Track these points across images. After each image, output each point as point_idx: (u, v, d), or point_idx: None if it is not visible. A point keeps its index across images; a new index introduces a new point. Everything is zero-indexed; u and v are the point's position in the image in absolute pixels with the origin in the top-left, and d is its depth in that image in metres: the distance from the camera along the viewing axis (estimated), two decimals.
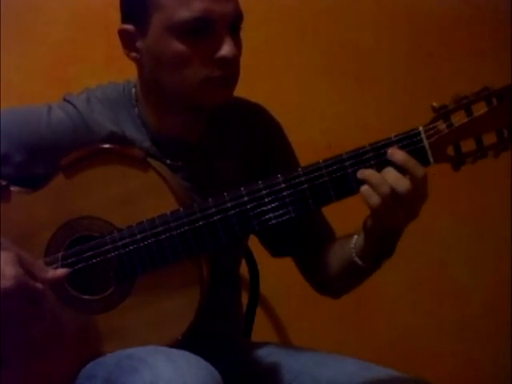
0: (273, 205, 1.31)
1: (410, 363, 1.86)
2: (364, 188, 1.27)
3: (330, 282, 1.55)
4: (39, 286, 1.29)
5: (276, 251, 1.63)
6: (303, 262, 1.62)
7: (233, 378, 1.44)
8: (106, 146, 1.40)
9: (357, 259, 1.40)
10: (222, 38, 1.36)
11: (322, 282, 1.59)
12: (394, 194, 1.25)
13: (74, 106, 1.45)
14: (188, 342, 1.34)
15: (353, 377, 1.43)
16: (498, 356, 2.44)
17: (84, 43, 2.10)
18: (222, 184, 1.36)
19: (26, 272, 1.27)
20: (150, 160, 1.37)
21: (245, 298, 1.80)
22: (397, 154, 1.27)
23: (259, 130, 1.57)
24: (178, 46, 1.36)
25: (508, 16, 2.30)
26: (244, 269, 1.78)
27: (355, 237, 1.41)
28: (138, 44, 1.41)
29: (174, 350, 1.29)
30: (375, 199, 1.26)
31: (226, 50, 1.36)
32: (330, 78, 2.29)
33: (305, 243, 1.59)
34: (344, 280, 1.51)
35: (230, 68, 1.39)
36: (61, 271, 1.34)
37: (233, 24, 1.39)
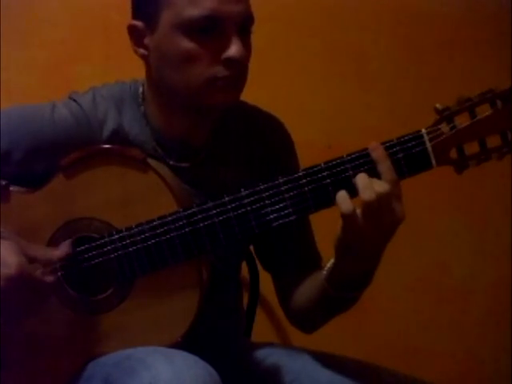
0: (273, 207, 1.30)
1: (410, 363, 1.86)
2: (340, 194, 1.25)
3: (300, 310, 1.51)
4: (42, 274, 1.29)
5: (263, 264, 1.63)
6: (280, 284, 1.59)
7: (233, 379, 1.44)
8: (106, 146, 1.40)
9: (325, 282, 1.36)
10: (230, 38, 1.35)
11: (293, 310, 1.54)
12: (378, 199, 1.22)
13: (79, 105, 1.45)
14: (188, 342, 1.34)
15: (353, 377, 1.43)
16: (499, 356, 2.44)
17: (84, 43, 2.11)
18: (224, 189, 1.34)
19: (29, 260, 1.28)
20: (150, 161, 1.37)
21: (245, 298, 1.80)
22: (379, 150, 1.26)
23: (270, 142, 1.56)
24: (186, 44, 1.35)
25: (508, 16, 2.30)
26: (244, 269, 1.78)
27: (331, 260, 1.36)
28: (146, 41, 1.40)
29: (172, 351, 1.29)
30: (349, 205, 1.24)
31: (233, 50, 1.35)
32: (330, 77, 2.29)
33: (285, 263, 1.57)
34: (314, 309, 1.46)
35: (237, 69, 1.37)
36: (64, 248, 1.35)
37: (242, 25, 1.38)
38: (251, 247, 1.66)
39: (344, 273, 1.33)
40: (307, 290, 1.49)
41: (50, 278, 1.31)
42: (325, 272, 1.37)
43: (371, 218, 1.23)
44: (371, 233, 1.24)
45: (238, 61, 1.36)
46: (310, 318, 1.52)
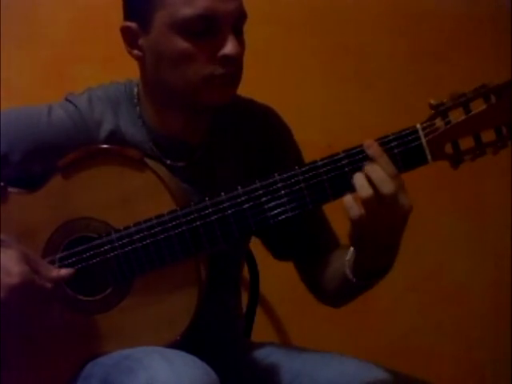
0: (270, 204, 1.30)
1: (410, 363, 1.85)
2: (347, 198, 1.25)
3: (327, 292, 1.52)
4: (45, 283, 1.29)
5: (277, 254, 1.62)
6: (302, 269, 1.60)
7: (232, 379, 1.44)
8: (104, 146, 1.40)
9: (348, 272, 1.37)
10: (226, 37, 1.36)
11: (320, 291, 1.56)
12: (377, 196, 1.23)
13: (75, 106, 1.45)
14: (187, 342, 1.34)
15: (353, 377, 1.43)
16: (498, 356, 2.44)
17: (84, 43, 2.11)
18: (222, 186, 1.34)
19: (31, 269, 1.28)
20: (147, 160, 1.37)
21: (245, 298, 1.80)
22: (374, 146, 1.26)
23: (267, 134, 1.56)
24: (181, 44, 1.36)
25: (508, 16, 2.30)
26: (244, 269, 1.78)
27: (351, 249, 1.37)
28: (141, 41, 1.41)
29: (170, 350, 1.29)
30: (356, 211, 1.24)
31: (229, 48, 1.36)
32: (329, 77, 2.29)
33: (304, 249, 1.57)
34: (338, 292, 1.48)
35: (233, 66, 1.38)
36: (65, 271, 1.34)
37: (236, 23, 1.38)
38: (257, 239, 1.66)
39: (365, 264, 1.34)
40: (331, 275, 1.49)
41: (51, 286, 1.31)
42: (347, 262, 1.38)
43: (377, 213, 1.23)
44: (382, 227, 1.25)
45: (234, 58, 1.36)
46: (337, 298, 1.52)
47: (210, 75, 1.37)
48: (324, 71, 2.28)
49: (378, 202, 1.23)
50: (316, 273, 1.55)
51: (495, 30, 2.33)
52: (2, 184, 1.39)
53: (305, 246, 1.58)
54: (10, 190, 1.39)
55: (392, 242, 1.30)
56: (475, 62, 2.32)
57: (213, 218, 1.32)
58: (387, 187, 1.23)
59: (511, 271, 2.41)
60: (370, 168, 1.24)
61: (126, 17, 1.43)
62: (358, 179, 1.24)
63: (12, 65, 2.04)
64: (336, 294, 1.50)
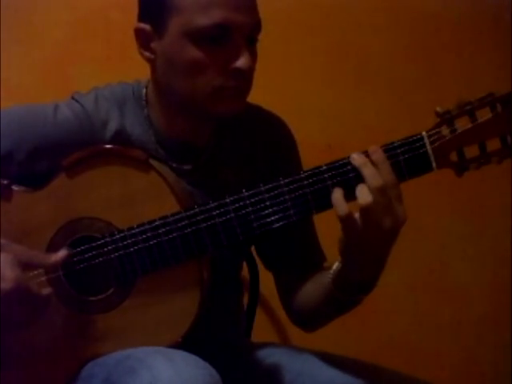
0: (274, 208, 1.30)
1: (410, 363, 1.86)
2: (336, 196, 1.26)
3: (303, 310, 1.52)
4: (39, 289, 1.29)
5: (268, 263, 1.63)
6: (284, 283, 1.59)
7: (233, 379, 1.44)
8: (109, 146, 1.40)
9: (330, 284, 1.36)
10: (240, 49, 1.35)
11: (296, 310, 1.55)
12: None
13: (82, 105, 1.45)
14: (188, 342, 1.34)
15: (353, 377, 1.43)
16: (498, 356, 2.44)
17: (84, 43, 2.11)
18: (226, 190, 1.34)
19: (26, 267, 1.28)
20: (152, 161, 1.36)
21: (245, 298, 1.80)
22: (378, 153, 1.26)
23: (272, 142, 1.56)
24: (194, 53, 1.35)
25: (508, 16, 2.30)
26: (244, 269, 1.78)
27: (337, 263, 1.36)
28: (153, 45, 1.40)
29: (173, 351, 1.29)
30: (344, 208, 1.24)
31: (242, 61, 1.35)
32: (330, 77, 2.29)
33: (293, 261, 1.57)
34: (314, 310, 1.47)
35: (244, 79, 1.38)
36: (62, 253, 1.34)
37: (251, 34, 1.38)
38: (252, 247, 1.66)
39: (350, 276, 1.33)
40: (311, 290, 1.49)
41: (46, 291, 1.31)
42: (331, 275, 1.37)
43: (371, 220, 1.23)
44: (373, 235, 1.25)
45: (245, 72, 1.36)
46: (312, 318, 1.52)
47: (220, 87, 1.36)
48: (324, 71, 2.28)
49: (377, 209, 1.23)
50: (297, 289, 1.54)
51: (495, 30, 2.34)
52: (6, 182, 1.39)
53: (289, 260, 1.57)
54: (14, 188, 1.39)
55: (380, 254, 1.30)
56: (475, 63, 2.32)
57: (217, 220, 1.32)
58: (377, 181, 1.23)
59: (511, 271, 2.41)
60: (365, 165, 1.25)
61: (140, 18, 1.42)
62: (359, 186, 1.25)
63: (12, 65, 2.04)
64: (313, 313, 1.50)
